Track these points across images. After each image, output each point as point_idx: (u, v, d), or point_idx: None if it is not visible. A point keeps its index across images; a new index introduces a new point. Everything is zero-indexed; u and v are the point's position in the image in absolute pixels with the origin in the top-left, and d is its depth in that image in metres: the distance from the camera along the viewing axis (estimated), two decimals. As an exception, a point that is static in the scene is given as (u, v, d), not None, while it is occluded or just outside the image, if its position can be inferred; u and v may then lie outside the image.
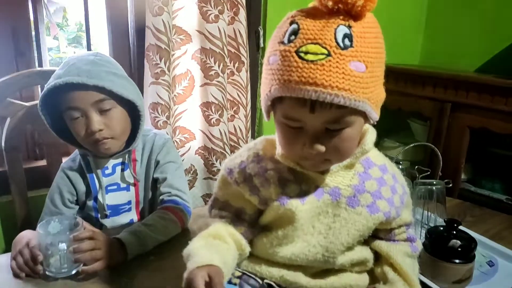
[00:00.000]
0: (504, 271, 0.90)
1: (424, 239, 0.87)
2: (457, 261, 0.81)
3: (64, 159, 1.10)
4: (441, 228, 0.87)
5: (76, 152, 1.05)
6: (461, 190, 1.65)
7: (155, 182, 1.07)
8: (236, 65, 1.59)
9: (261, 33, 1.68)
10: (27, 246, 0.80)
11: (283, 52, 0.52)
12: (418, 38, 2.27)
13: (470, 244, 0.82)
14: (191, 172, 1.60)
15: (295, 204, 0.61)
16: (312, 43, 0.50)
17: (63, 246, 0.77)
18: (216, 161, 1.62)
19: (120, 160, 1.04)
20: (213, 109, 1.55)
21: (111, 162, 1.04)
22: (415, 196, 1.02)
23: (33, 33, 1.34)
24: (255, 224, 0.66)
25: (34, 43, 1.35)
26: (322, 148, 0.55)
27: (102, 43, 1.53)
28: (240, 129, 1.69)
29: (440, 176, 1.03)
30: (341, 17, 0.51)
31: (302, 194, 0.61)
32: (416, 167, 1.05)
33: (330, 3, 0.50)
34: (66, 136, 0.99)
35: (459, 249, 0.81)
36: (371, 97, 0.53)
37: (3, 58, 1.30)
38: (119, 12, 1.46)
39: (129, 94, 0.95)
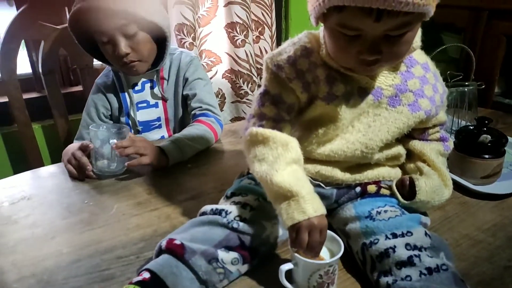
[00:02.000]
0: (534, 169, 0.90)
1: (454, 139, 0.88)
2: (486, 156, 0.82)
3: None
4: (471, 127, 0.87)
5: (108, 68, 1.09)
6: (494, 103, 1.61)
7: (185, 99, 1.10)
8: (260, -18, 1.54)
9: None
10: (79, 149, 0.88)
11: None
12: None
13: (500, 139, 0.82)
14: (219, 96, 1.63)
15: (339, 104, 0.61)
16: None
17: (113, 142, 0.85)
18: (243, 83, 1.63)
19: (150, 77, 1.08)
20: (238, 30, 1.54)
21: (141, 79, 1.07)
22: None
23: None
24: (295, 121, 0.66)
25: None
26: (379, 55, 0.53)
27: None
28: (266, 51, 1.68)
29: (473, 79, 1.00)
30: None
31: (347, 94, 0.60)
32: (448, 72, 1.03)
33: None
34: (98, 55, 1.02)
35: (489, 144, 0.82)
36: None
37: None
38: None
39: (154, 17, 0.95)
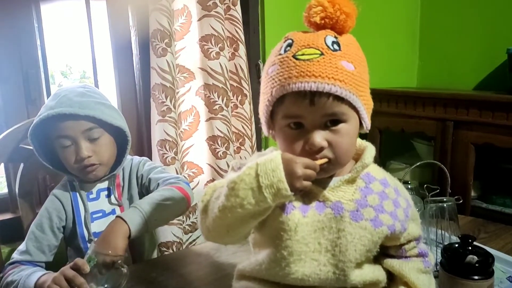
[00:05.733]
0: (525, 285, 0.89)
1: (441, 257, 0.86)
2: (476, 277, 0.80)
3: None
4: (456, 245, 0.87)
5: (65, 178, 1.07)
6: (473, 208, 1.64)
7: (146, 191, 1.09)
8: (239, 98, 1.63)
9: (261, 66, 1.74)
10: (68, 268, 0.80)
11: (281, 59, 0.59)
12: (413, 61, 2.33)
13: (487, 259, 0.82)
14: (201, 206, 1.61)
15: (297, 215, 0.61)
16: (306, 47, 0.58)
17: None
18: (225, 193, 1.63)
19: (105, 185, 1.07)
20: (219, 143, 1.58)
21: (96, 187, 1.07)
22: (427, 215, 1.02)
23: (43, 81, 1.39)
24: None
25: (44, 91, 1.40)
26: (324, 142, 0.59)
27: (108, 84, 1.58)
28: (247, 161, 1.71)
29: (450, 193, 1.03)
30: (328, 31, 0.60)
31: (304, 207, 0.62)
32: (425, 185, 1.06)
33: (318, 18, 0.59)
34: (55, 164, 1.02)
35: (477, 264, 0.81)
36: (362, 96, 0.60)
37: (15, 106, 1.35)
38: (124, 55, 1.52)
39: (117, 122, 1.01)
